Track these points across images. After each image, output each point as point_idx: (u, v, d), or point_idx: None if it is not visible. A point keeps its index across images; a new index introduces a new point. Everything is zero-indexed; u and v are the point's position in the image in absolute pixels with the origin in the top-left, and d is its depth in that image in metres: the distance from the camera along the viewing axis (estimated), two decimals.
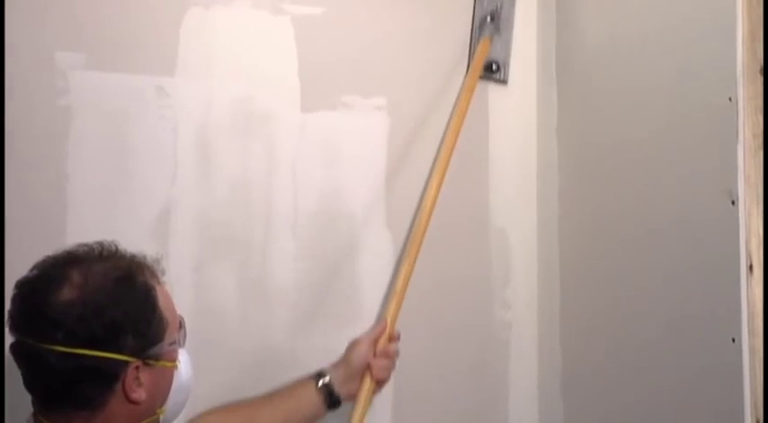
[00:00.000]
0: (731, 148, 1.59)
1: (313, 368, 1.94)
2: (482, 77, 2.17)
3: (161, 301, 1.45)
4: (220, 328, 1.95)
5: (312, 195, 2.04)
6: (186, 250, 1.94)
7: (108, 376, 1.37)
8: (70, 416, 1.37)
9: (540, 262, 2.21)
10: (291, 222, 2.01)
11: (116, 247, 1.47)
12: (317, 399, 1.80)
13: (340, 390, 1.81)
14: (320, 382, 1.81)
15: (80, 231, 1.82)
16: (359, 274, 2.06)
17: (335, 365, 1.84)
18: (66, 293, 1.36)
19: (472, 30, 2.19)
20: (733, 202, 1.58)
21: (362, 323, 2.02)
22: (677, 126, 1.74)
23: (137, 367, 1.39)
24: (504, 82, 2.21)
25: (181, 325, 1.51)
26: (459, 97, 2.11)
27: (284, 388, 1.82)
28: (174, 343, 1.47)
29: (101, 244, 1.46)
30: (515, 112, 2.24)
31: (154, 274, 1.48)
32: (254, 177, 2.00)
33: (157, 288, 1.46)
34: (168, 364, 1.46)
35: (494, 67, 2.20)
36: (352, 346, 1.85)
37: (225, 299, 1.96)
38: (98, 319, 1.35)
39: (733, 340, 1.57)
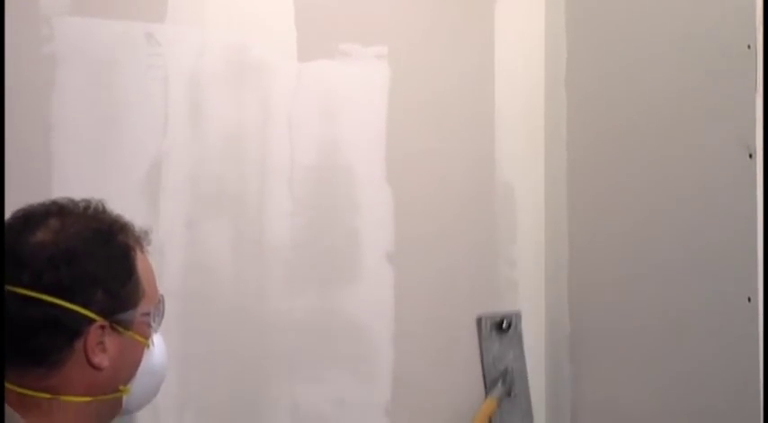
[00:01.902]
0: (749, 99, 1.54)
1: (310, 328, 1.93)
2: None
3: (140, 268, 1.38)
4: (214, 287, 1.90)
5: (309, 149, 1.98)
6: (178, 206, 1.89)
7: (69, 330, 1.28)
8: (25, 371, 1.28)
9: (548, 218, 2.16)
10: (287, 177, 1.96)
11: (104, 206, 1.41)
12: None
13: None
14: None
15: (66, 186, 1.77)
16: (358, 231, 2.01)
17: None
18: (40, 235, 1.30)
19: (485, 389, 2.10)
20: (750, 156, 1.53)
21: (361, 281, 1.98)
22: (693, 76, 1.69)
23: (102, 327, 1.30)
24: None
25: (159, 303, 1.44)
26: None
27: None
28: (147, 314, 1.38)
29: (88, 201, 1.40)
30: (522, 63, 2.17)
31: (138, 241, 1.41)
32: (249, 130, 1.94)
33: (139, 255, 1.39)
34: (138, 337, 1.37)
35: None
36: None
37: (218, 256, 1.91)
38: (68, 266, 1.28)
39: (749, 299, 1.53)
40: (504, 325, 2.07)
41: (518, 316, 2.10)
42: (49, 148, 1.80)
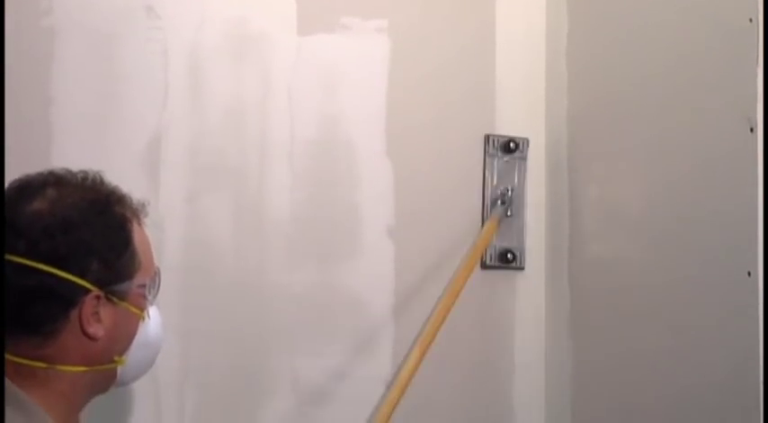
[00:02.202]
0: (750, 73, 1.52)
1: (310, 302, 1.93)
2: (497, 267, 2.10)
3: (136, 240, 1.38)
4: (214, 261, 1.89)
5: (309, 122, 1.97)
6: (178, 180, 1.88)
7: (64, 300, 1.29)
8: (20, 340, 1.29)
9: (549, 186, 2.14)
10: (287, 151, 1.95)
11: (101, 177, 1.41)
12: None
13: None
14: None
15: (66, 159, 1.71)
16: (358, 205, 2.00)
17: None
18: (37, 205, 1.31)
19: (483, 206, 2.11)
20: (752, 130, 1.52)
21: (361, 256, 1.98)
22: (694, 50, 1.69)
23: (97, 297, 1.31)
24: (521, 268, 2.14)
25: (155, 276, 1.44)
26: (453, 280, 2.01)
27: None
28: (143, 286, 1.39)
29: (86, 172, 1.41)
30: (523, 36, 2.16)
31: (135, 213, 1.42)
32: (249, 104, 1.93)
33: (135, 226, 1.40)
34: (133, 309, 1.38)
35: (509, 256, 2.11)
36: None
37: (218, 231, 1.90)
38: (64, 235, 1.29)
39: (749, 274, 1.53)
40: (511, 145, 2.10)
41: (526, 141, 2.13)
42: (48, 121, 1.79)
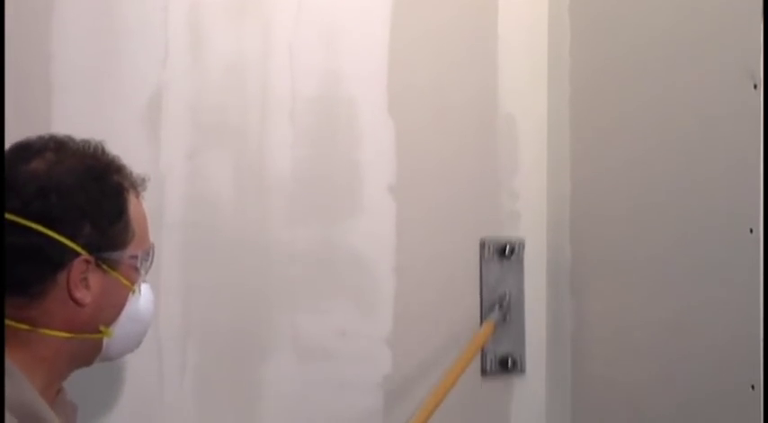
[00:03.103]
0: (754, 26, 1.51)
1: (312, 259, 1.93)
2: (497, 373, 2.08)
3: (132, 211, 1.38)
4: (215, 218, 1.89)
5: (310, 79, 1.96)
6: (178, 137, 1.86)
7: (53, 261, 1.29)
8: (6, 299, 1.28)
9: (550, 149, 2.14)
10: (289, 108, 1.94)
11: (103, 147, 1.40)
12: None
13: None
14: None
15: (66, 117, 1.75)
16: (359, 163, 1.99)
17: None
18: (35, 165, 1.31)
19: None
20: (755, 86, 1.51)
21: (362, 214, 1.98)
22: (698, 5, 1.67)
23: (86, 262, 1.31)
24: (522, 372, 2.11)
25: (150, 251, 1.44)
26: (441, 382, 1.96)
27: None
28: (135, 258, 1.38)
29: (89, 140, 1.40)
30: None
31: (133, 185, 1.41)
32: (249, 60, 1.92)
33: (132, 198, 1.40)
34: (124, 280, 1.37)
35: (510, 363, 2.08)
36: None
37: (219, 188, 1.89)
38: (59, 196, 1.29)
39: (750, 231, 1.53)
40: (506, 251, 2.07)
41: (521, 243, 2.10)
42: (48, 78, 1.77)
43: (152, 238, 1.47)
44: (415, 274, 2.02)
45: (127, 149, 1.77)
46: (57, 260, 1.29)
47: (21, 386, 1.26)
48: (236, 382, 1.89)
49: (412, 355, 2.00)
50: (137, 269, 1.40)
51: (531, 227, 2.14)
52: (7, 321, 1.28)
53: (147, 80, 1.85)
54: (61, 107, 1.78)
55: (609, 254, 1.93)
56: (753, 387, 1.51)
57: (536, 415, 2.13)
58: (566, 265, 2.06)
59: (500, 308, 2.06)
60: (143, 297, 1.42)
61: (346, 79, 1.98)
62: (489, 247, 2.07)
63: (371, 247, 1.98)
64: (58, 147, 1.35)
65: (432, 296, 2.04)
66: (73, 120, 1.73)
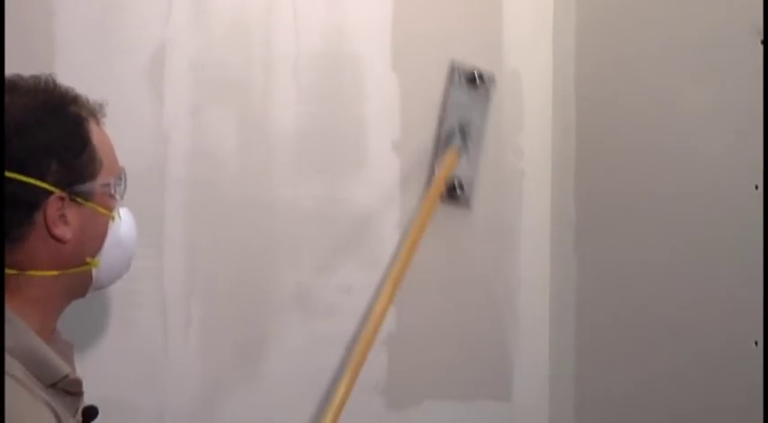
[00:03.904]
0: None
1: (316, 216, 1.93)
2: (442, 200, 2.02)
3: (95, 139, 1.36)
4: (219, 175, 1.89)
5: (314, 35, 1.95)
6: (182, 93, 1.86)
7: (27, 204, 1.27)
8: None
9: (555, 105, 2.12)
10: (292, 64, 1.93)
11: (54, 80, 1.38)
12: None
13: None
14: None
15: (69, 72, 1.69)
16: (363, 119, 1.98)
17: None
18: None
19: (438, 135, 2.03)
20: (764, 43, 1.49)
21: (367, 170, 1.98)
22: None
23: (61, 199, 1.30)
24: (467, 206, 2.06)
25: (121, 177, 1.42)
26: (417, 215, 1.97)
27: None
28: (107, 185, 1.37)
29: (38, 76, 1.38)
30: None
31: (92, 113, 1.39)
32: (253, 16, 1.91)
33: (93, 126, 1.38)
34: (101, 209, 1.36)
35: (457, 186, 2.03)
36: None
37: (223, 144, 1.89)
38: (20, 139, 1.27)
39: (756, 187, 1.52)
40: (475, 77, 2.04)
41: (491, 77, 2.07)
42: (51, 34, 1.77)
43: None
44: None
45: (130, 106, 1.81)
46: (30, 202, 1.28)
47: (19, 330, 1.27)
48: (240, 339, 1.90)
49: (416, 314, 2.00)
50: (111, 196, 1.39)
51: (536, 185, 2.13)
52: None
53: (151, 36, 1.84)
54: (64, 64, 1.77)
55: (614, 211, 1.93)
56: (756, 343, 1.51)
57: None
58: (570, 223, 2.05)
59: (462, 137, 2.03)
60: (123, 222, 1.42)
61: (350, 35, 1.97)
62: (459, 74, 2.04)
63: (375, 202, 1.98)
64: (9, 88, 1.33)
65: (435, 250, 2.03)
66: (76, 76, 1.69)
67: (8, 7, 1.59)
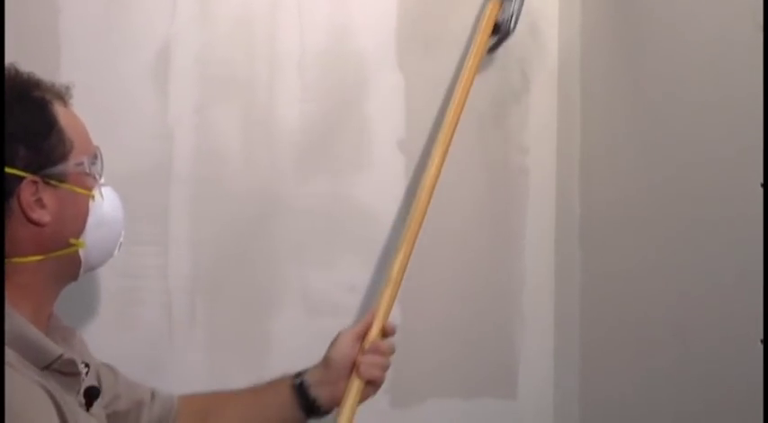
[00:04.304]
0: None
1: (321, 214, 1.93)
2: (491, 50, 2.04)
3: (63, 121, 1.36)
4: (224, 172, 1.88)
5: (319, 32, 1.94)
6: (187, 90, 1.86)
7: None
8: None
9: (560, 103, 2.12)
10: (297, 61, 1.92)
11: (16, 68, 1.38)
12: (289, 399, 1.60)
13: (317, 392, 1.60)
14: (296, 381, 1.61)
15: (75, 68, 1.76)
16: (368, 116, 1.97)
17: (317, 364, 1.63)
18: None
19: None
20: (765, 37, 1.49)
21: (372, 168, 1.97)
22: None
23: (34, 183, 1.30)
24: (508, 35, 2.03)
25: (96, 155, 1.42)
26: (464, 67, 1.95)
27: (262, 383, 1.66)
28: (80, 164, 1.37)
29: None
30: None
31: (58, 96, 1.39)
32: (258, 13, 1.90)
33: (59, 108, 1.37)
34: (79, 189, 1.37)
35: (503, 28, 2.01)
36: (333, 341, 1.63)
37: (228, 141, 1.89)
38: None
39: (762, 185, 1.50)
40: None
41: None
42: (56, 30, 1.77)
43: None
44: (424, 229, 1.99)
45: (135, 102, 1.81)
46: (3, 189, 1.29)
47: (11, 320, 1.27)
48: (244, 336, 1.90)
49: (420, 312, 2.00)
50: (87, 175, 1.39)
51: (540, 183, 2.12)
52: None
53: (156, 33, 1.84)
54: (69, 60, 1.78)
55: (618, 209, 1.92)
56: (762, 341, 1.51)
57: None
58: (575, 221, 2.05)
59: None
60: (106, 200, 1.42)
61: (355, 32, 1.96)
62: None
63: (381, 201, 1.97)
64: None
65: (448, 253, 2.04)
66: (81, 73, 1.72)
67: (13, 4, 1.60)
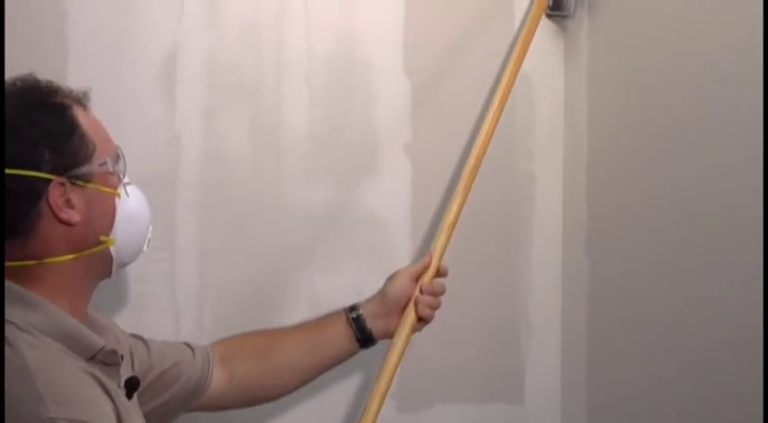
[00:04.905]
0: None
1: (328, 219, 1.93)
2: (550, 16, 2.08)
3: (83, 124, 1.40)
4: (231, 178, 1.89)
5: (326, 39, 1.94)
6: (194, 96, 1.86)
7: (29, 195, 1.33)
8: (5, 247, 1.33)
9: (567, 109, 2.12)
10: (304, 68, 1.93)
11: (34, 77, 1.43)
12: (345, 332, 1.73)
13: (373, 325, 1.73)
14: (351, 315, 1.73)
15: (82, 74, 1.75)
16: (376, 123, 1.98)
17: (370, 299, 1.76)
18: None
19: None
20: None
21: (378, 174, 1.98)
22: None
23: (61, 184, 1.35)
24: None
25: (118, 155, 1.47)
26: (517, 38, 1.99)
27: (314, 319, 1.78)
28: (104, 164, 1.41)
29: (16, 78, 1.42)
30: None
31: (77, 101, 1.44)
32: (265, 19, 1.90)
33: (79, 111, 1.42)
34: (105, 188, 1.41)
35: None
36: (391, 278, 1.77)
37: (235, 148, 1.89)
38: (9, 136, 1.32)
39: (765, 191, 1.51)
40: None
41: None
42: (64, 36, 1.77)
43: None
44: (431, 232, 2.00)
45: (142, 108, 1.81)
46: (32, 193, 1.33)
47: (50, 312, 1.34)
48: None
49: None
50: (112, 173, 1.43)
51: (547, 188, 2.12)
52: (15, 262, 1.34)
53: (163, 38, 1.84)
54: (76, 65, 1.78)
55: (625, 214, 1.92)
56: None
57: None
58: (582, 226, 2.05)
59: None
60: (132, 197, 1.47)
61: (362, 39, 1.96)
62: None
63: (387, 207, 1.98)
64: None
65: (456, 257, 2.02)
66: (88, 78, 1.70)
67: (20, 8, 1.60)
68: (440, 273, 1.80)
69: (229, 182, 1.88)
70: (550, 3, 2.06)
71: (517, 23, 2.08)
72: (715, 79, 1.65)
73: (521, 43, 1.97)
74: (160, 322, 1.83)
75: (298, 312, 1.91)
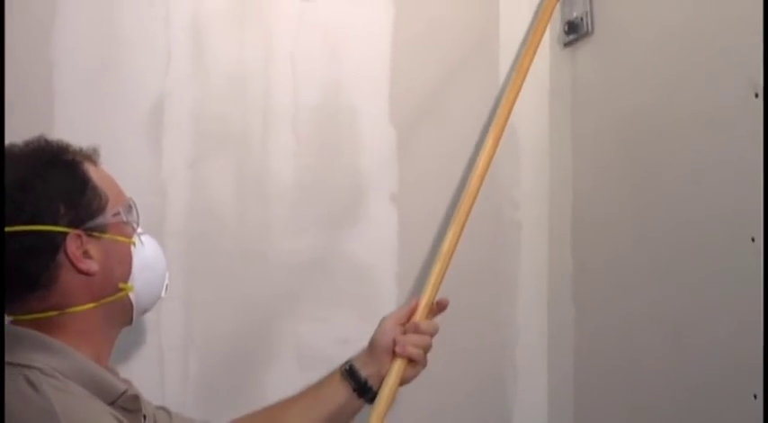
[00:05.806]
0: (756, 33, 1.49)
1: (314, 268, 1.93)
2: (567, 44, 2.09)
3: (95, 177, 1.46)
4: (217, 227, 1.89)
5: (312, 88, 1.96)
6: (180, 146, 1.87)
7: (49, 249, 1.38)
8: (27, 299, 1.39)
9: (552, 158, 2.13)
10: (291, 117, 1.94)
11: (45, 138, 1.48)
12: (341, 385, 1.70)
13: (367, 373, 1.69)
14: (345, 367, 1.71)
15: (68, 124, 1.77)
16: (361, 171, 1.99)
17: (363, 349, 1.74)
18: None
19: None
20: (756, 95, 1.50)
21: (365, 222, 1.98)
22: (699, 9, 1.66)
23: (78, 236, 1.40)
24: (588, 32, 2.04)
25: (131, 205, 1.52)
26: (517, 63, 2.02)
27: (313, 383, 1.75)
28: (117, 214, 1.46)
29: (29, 140, 1.48)
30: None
31: (87, 157, 1.49)
32: (251, 69, 1.92)
33: (90, 167, 1.47)
34: (120, 238, 1.46)
35: (576, 21, 2.05)
36: (379, 323, 1.75)
37: (222, 197, 1.90)
38: (26, 194, 1.37)
39: (752, 240, 1.52)
40: None
41: None
42: (50, 86, 1.79)
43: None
44: (418, 282, 2.01)
45: (128, 157, 1.82)
46: (50, 246, 1.38)
47: (73, 358, 1.37)
48: (238, 391, 1.89)
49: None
50: (125, 223, 1.48)
51: (533, 237, 2.13)
52: (37, 315, 1.39)
53: (149, 88, 1.86)
54: (63, 114, 1.79)
55: (610, 262, 1.93)
56: (755, 396, 1.50)
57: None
58: (567, 274, 2.05)
59: None
60: (147, 245, 1.52)
61: (348, 88, 1.98)
62: None
63: (373, 255, 1.98)
64: (6, 156, 1.41)
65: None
66: (75, 127, 1.73)
67: (8, 58, 1.61)
68: (435, 309, 1.78)
69: (215, 230, 1.89)
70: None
71: (502, 72, 2.10)
72: (701, 129, 1.66)
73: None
74: (145, 370, 1.82)
75: (283, 361, 1.91)
